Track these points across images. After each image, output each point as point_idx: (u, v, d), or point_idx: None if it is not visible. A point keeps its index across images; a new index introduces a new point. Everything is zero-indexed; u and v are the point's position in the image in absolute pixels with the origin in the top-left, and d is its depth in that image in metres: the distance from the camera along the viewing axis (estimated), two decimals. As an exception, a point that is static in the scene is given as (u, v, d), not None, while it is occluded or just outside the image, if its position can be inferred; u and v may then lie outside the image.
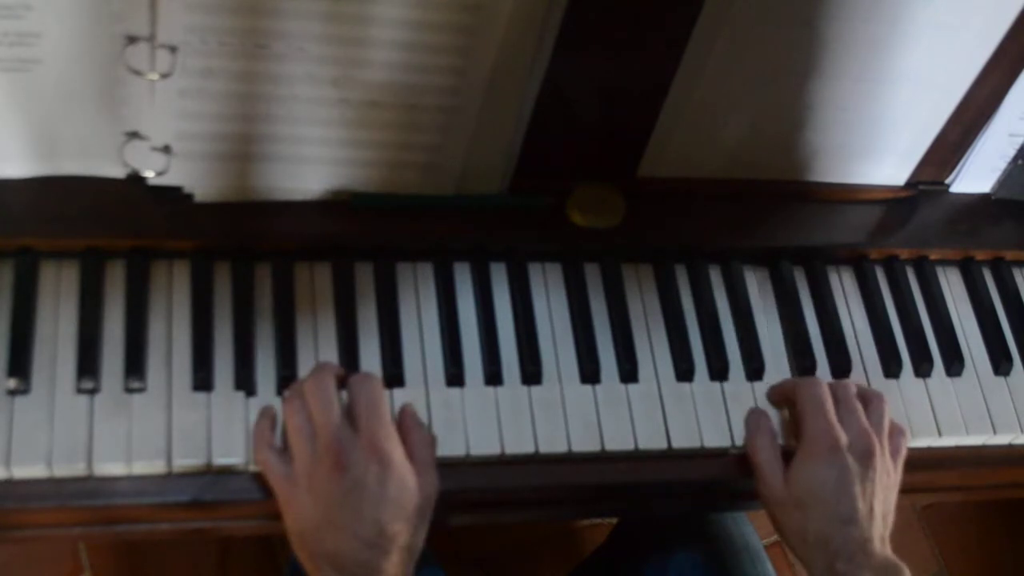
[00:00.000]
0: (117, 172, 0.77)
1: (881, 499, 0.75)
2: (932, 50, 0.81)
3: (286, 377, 0.75)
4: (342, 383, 0.72)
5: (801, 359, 0.86)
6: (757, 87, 0.82)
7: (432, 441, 0.73)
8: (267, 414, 0.73)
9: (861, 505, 0.73)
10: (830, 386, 0.80)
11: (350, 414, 0.70)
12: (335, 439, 0.68)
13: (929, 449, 0.86)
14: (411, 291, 0.82)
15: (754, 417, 0.81)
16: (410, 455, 0.70)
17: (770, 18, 0.77)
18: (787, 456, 0.77)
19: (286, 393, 0.73)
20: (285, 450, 0.71)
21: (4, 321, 0.73)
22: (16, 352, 0.72)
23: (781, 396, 0.82)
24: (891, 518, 0.77)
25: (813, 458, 0.75)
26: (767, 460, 0.77)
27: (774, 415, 0.82)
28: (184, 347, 0.75)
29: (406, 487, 0.68)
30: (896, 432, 0.79)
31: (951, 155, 0.93)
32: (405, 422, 0.73)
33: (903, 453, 0.79)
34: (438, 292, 0.82)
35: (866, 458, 0.75)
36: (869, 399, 0.80)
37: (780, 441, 0.80)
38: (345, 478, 0.67)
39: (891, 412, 0.81)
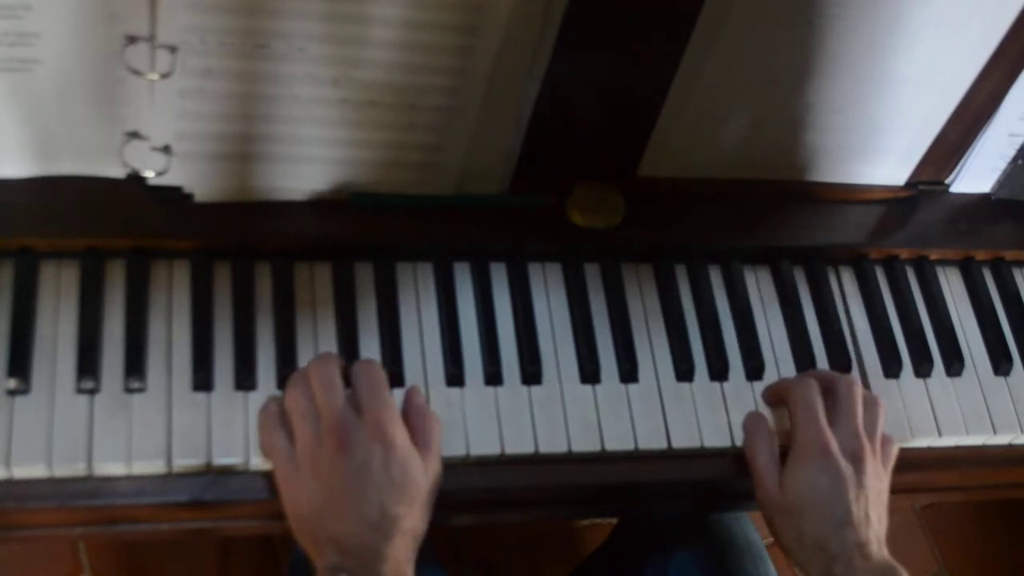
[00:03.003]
0: (117, 172, 0.77)
1: (874, 502, 0.75)
2: (932, 50, 0.81)
3: (286, 377, 0.75)
4: (345, 377, 0.72)
5: (801, 359, 0.86)
6: (757, 87, 0.82)
7: (437, 425, 0.73)
8: (277, 398, 0.73)
9: (855, 508, 0.73)
10: (834, 379, 0.80)
11: (353, 398, 0.70)
12: (339, 421, 0.68)
13: (929, 449, 0.86)
14: (411, 291, 0.82)
15: (752, 420, 0.80)
16: (415, 439, 0.70)
17: (770, 18, 0.77)
18: (785, 456, 0.77)
19: (289, 379, 0.73)
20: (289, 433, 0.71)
21: (4, 321, 0.73)
22: (16, 352, 0.72)
23: (775, 396, 0.82)
24: (884, 521, 0.76)
25: (805, 462, 0.75)
26: (764, 464, 0.77)
27: (772, 416, 0.82)
28: (184, 347, 0.75)
29: (410, 470, 0.68)
30: (887, 440, 0.80)
31: (951, 155, 0.93)
32: (411, 405, 0.73)
33: (892, 460, 0.79)
34: (438, 292, 0.82)
35: (857, 461, 0.75)
36: (866, 404, 0.79)
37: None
38: (349, 460, 0.67)
39: (889, 413, 0.81)
